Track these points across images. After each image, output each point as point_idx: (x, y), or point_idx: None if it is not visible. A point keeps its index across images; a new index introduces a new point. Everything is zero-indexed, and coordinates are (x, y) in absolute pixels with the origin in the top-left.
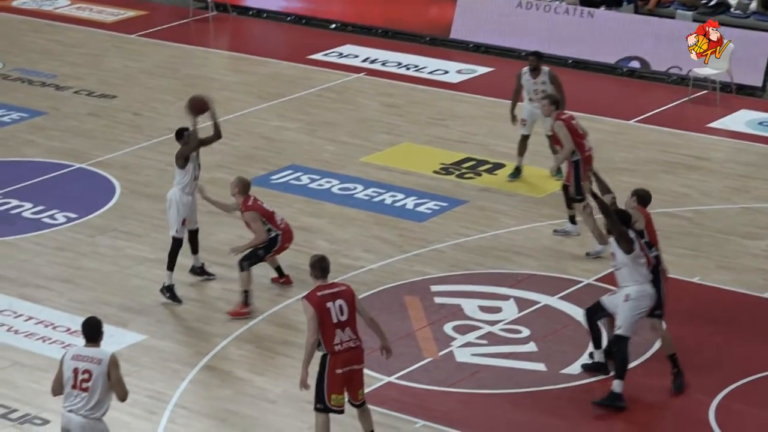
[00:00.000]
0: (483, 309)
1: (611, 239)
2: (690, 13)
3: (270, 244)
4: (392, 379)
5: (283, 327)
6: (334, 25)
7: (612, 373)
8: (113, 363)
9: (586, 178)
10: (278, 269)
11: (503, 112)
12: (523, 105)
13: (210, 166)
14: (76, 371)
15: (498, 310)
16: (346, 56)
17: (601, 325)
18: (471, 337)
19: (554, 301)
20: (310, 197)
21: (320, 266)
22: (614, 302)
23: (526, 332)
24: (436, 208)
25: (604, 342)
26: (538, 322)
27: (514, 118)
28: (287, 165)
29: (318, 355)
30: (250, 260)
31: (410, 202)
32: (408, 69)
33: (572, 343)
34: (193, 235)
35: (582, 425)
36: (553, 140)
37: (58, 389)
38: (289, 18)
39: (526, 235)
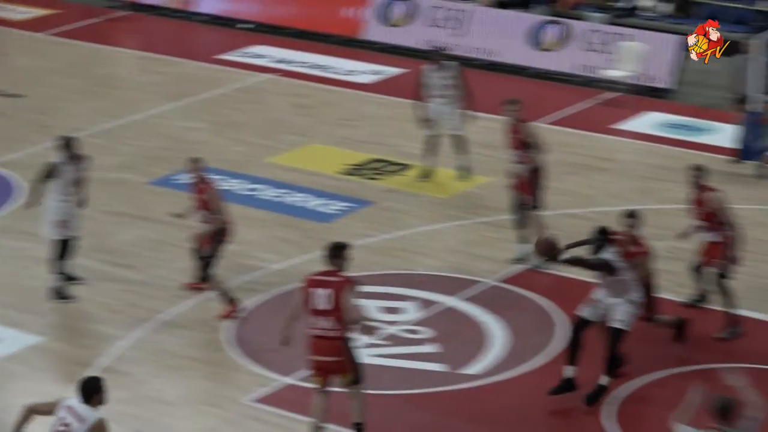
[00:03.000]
0: (386, 310)
1: None
2: (600, 15)
3: (221, 234)
4: (291, 380)
5: (181, 328)
6: (244, 25)
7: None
8: (99, 427)
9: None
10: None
11: (412, 113)
12: (428, 105)
13: (116, 166)
14: (60, 420)
15: (401, 311)
16: (256, 56)
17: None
18: (373, 337)
19: (457, 302)
20: None
21: (327, 251)
22: (599, 311)
23: (428, 333)
24: (342, 209)
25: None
26: (440, 322)
27: (421, 120)
28: (186, 168)
29: None
30: (209, 266)
31: (316, 203)
32: (318, 70)
33: (473, 343)
34: (69, 242)
35: (482, 426)
36: (516, 144)
37: (37, 413)
38: (199, 18)
39: (431, 236)
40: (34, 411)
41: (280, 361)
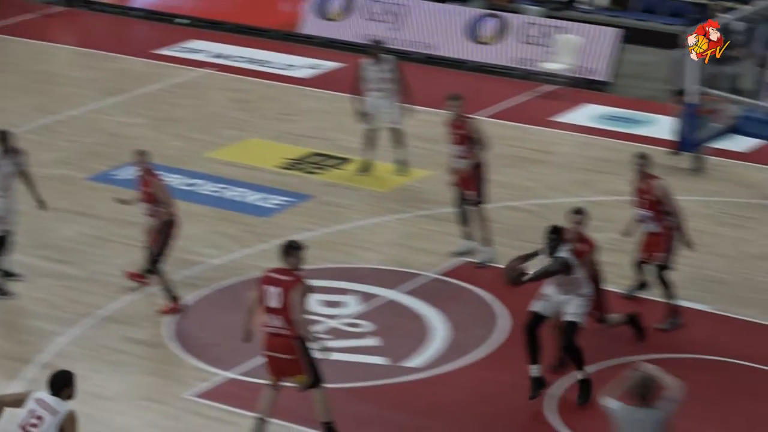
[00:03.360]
0: (326, 303)
1: None
2: (537, 8)
3: (169, 226)
4: (232, 374)
5: (122, 324)
6: (181, 20)
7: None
8: (70, 419)
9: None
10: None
11: (351, 107)
12: (367, 98)
13: (54, 162)
14: (31, 412)
15: (341, 304)
16: (193, 51)
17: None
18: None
19: (397, 295)
20: None
21: (281, 248)
22: (552, 306)
23: (368, 326)
24: (281, 203)
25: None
26: (380, 316)
27: (359, 114)
28: (130, 161)
29: None
30: (158, 261)
31: (255, 198)
32: (256, 64)
33: (414, 336)
34: (5, 238)
35: (425, 419)
36: (459, 139)
37: (3, 405)
38: (136, 13)
39: (371, 229)
40: (1, 403)
41: (221, 355)
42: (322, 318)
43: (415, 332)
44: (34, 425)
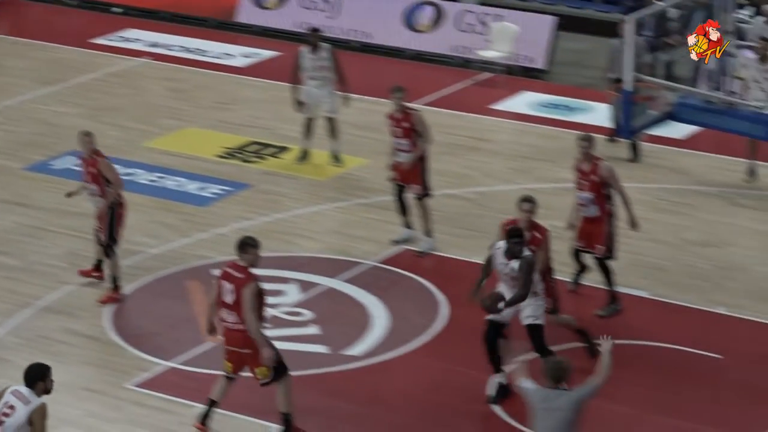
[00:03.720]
0: (266, 292)
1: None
2: None
3: (118, 206)
4: (173, 363)
5: (61, 314)
6: (117, 9)
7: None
8: (40, 410)
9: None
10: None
11: (288, 96)
12: (304, 87)
13: None
14: (5, 403)
15: (280, 293)
16: (129, 40)
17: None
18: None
19: (337, 284)
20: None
21: (236, 244)
22: (509, 312)
23: (308, 315)
24: (220, 192)
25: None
26: (320, 304)
27: (297, 103)
28: (68, 151)
29: None
30: (114, 243)
31: (193, 187)
32: (193, 53)
33: (354, 324)
34: None
35: (366, 407)
36: (403, 132)
37: None
38: (71, 2)
39: (309, 218)
40: None
41: (161, 345)
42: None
43: (356, 321)
44: (6, 414)
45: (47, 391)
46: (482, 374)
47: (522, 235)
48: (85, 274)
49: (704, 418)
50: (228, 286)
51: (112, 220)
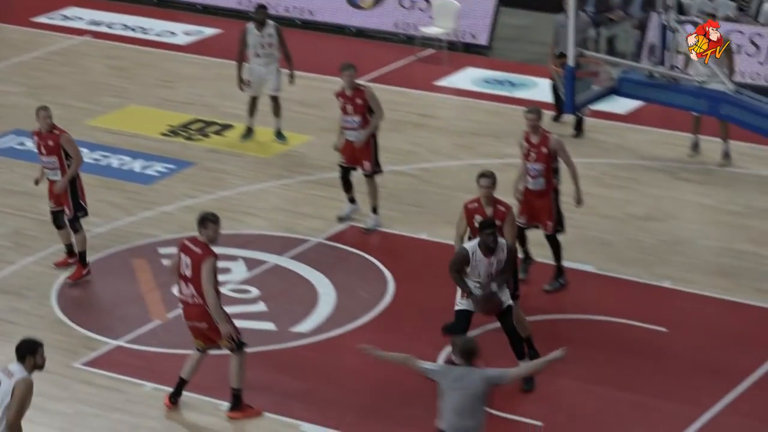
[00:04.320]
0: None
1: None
2: None
3: (77, 178)
4: (120, 342)
5: (7, 294)
6: None
7: None
8: (22, 383)
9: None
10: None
11: (231, 73)
12: (249, 64)
13: None
14: None
15: (227, 270)
16: (70, 19)
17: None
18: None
19: (283, 261)
20: (34, 162)
21: (197, 219)
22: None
23: (255, 292)
24: (164, 170)
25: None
26: (267, 281)
27: (241, 81)
28: (10, 130)
29: None
30: (82, 212)
31: (137, 165)
32: (134, 31)
33: (302, 301)
34: None
35: (314, 383)
36: (354, 109)
37: None
38: None
39: (255, 195)
40: None
41: (109, 324)
42: None
43: (303, 297)
44: None
45: (37, 367)
46: (429, 349)
47: (493, 225)
48: (61, 264)
49: (650, 390)
50: (186, 259)
51: (75, 192)
